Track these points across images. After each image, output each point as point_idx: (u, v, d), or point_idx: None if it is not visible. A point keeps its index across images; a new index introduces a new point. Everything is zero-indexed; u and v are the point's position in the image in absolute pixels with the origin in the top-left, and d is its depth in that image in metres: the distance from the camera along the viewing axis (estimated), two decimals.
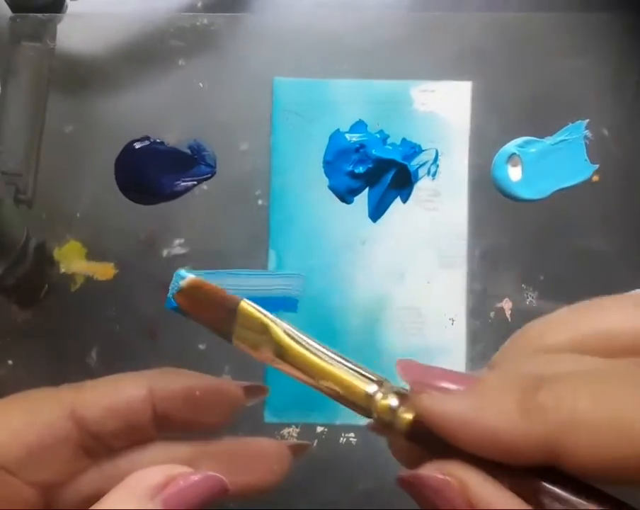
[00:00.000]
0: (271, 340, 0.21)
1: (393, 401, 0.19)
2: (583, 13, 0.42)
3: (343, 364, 0.20)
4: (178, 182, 0.40)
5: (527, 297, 0.40)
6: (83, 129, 0.41)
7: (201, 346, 0.40)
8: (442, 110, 0.41)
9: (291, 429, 0.39)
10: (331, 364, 0.20)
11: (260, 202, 0.41)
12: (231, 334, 0.22)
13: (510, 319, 0.40)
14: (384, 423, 0.19)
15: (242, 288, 0.39)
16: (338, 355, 0.20)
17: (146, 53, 0.42)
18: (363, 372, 0.20)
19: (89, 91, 0.41)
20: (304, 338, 0.21)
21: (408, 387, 0.18)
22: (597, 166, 0.41)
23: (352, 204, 0.41)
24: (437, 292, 0.41)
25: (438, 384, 0.17)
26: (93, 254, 0.40)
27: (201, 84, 0.41)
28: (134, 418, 0.22)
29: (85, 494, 0.23)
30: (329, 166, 0.40)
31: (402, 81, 0.41)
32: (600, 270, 0.41)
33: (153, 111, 0.41)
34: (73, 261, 0.40)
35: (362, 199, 0.41)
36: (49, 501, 0.22)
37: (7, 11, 0.42)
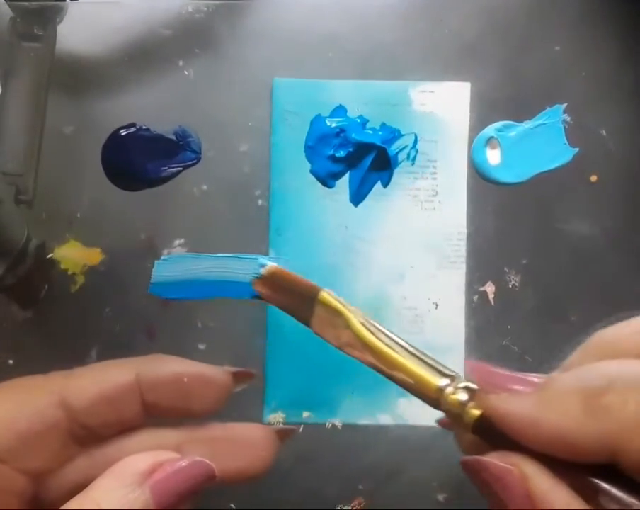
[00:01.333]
0: (348, 330, 0.22)
1: (462, 396, 0.19)
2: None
3: (417, 357, 0.21)
4: (164, 168, 0.40)
5: (510, 281, 0.41)
6: (84, 129, 0.41)
7: (200, 346, 0.40)
8: (441, 111, 0.41)
9: (277, 415, 0.40)
10: (405, 356, 0.21)
11: (260, 202, 0.41)
12: (309, 321, 0.23)
13: (493, 303, 0.40)
14: (453, 417, 0.20)
15: (216, 271, 0.39)
16: (413, 348, 0.21)
17: (146, 54, 0.42)
18: (436, 366, 0.20)
19: (89, 92, 0.41)
20: (380, 329, 0.22)
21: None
22: (577, 149, 0.41)
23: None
24: (436, 293, 0.41)
25: (506, 386, 0.18)
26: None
27: (185, 72, 0.41)
28: (122, 404, 0.23)
29: (74, 481, 0.23)
30: (310, 150, 0.41)
31: (401, 81, 0.41)
32: (582, 253, 0.41)
33: (152, 112, 0.41)
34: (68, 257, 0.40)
35: (348, 189, 0.41)
36: (39, 487, 0.23)
37: (7, 11, 0.42)
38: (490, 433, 0.19)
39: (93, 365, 0.23)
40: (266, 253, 0.41)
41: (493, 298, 0.40)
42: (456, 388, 0.20)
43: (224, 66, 0.42)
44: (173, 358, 0.24)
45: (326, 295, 0.22)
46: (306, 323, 0.23)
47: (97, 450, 0.23)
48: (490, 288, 0.40)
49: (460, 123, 0.41)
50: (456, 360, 0.40)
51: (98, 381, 0.23)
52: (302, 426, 0.39)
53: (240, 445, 0.23)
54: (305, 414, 0.40)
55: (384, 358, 0.21)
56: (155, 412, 0.23)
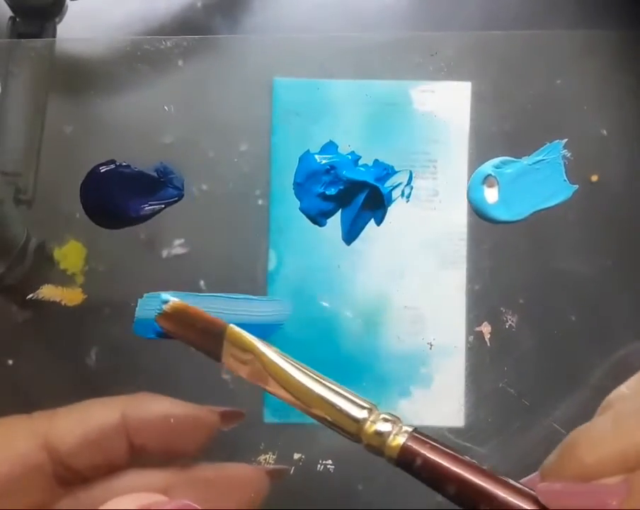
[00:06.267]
0: (261, 366, 0.21)
1: (381, 427, 0.19)
2: (568, 31, 0.42)
3: (333, 390, 0.20)
4: (144, 205, 0.39)
5: (507, 321, 0.40)
6: (84, 129, 0.41)
7: None
8: (442, 111, 0.41)
9: (267, 456, 0.39)
10: (320, 391, 0.20)
11: (260, 202, 0.41)
12: (219, 355, 0.22)
13: (489, 344, 0.40)
14: (374, 450, 0.19)
15: (226, 313, 0.38)
16: (327, 382, 0.20)
17: (146, 53, 0.42)
18: (353, 399, 0.20)
19: (89, 91, 0.41)
20: (294, 364, 0.21)
21: (396, 413, 0.18)
22: (577, 186, 0.40)
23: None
24: (437, 293, 0.41)
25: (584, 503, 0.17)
26: (93, 255, 0.40)
27: (166, 107, 0.41)
28: (107, 446, 0.22)
29: None
30: (300, 188, 0.40)
31: (402, 81, 0.41)
32: (581, 293, 0.40)
33: (153, 111, 0.41)
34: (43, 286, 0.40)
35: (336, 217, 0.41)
36: None
37: (7, 11, 0.42)
38: (415, 464, 0.18)
39: (78, 404, 0.23)
40: (266, 253, 0.40)
41: (489, 339, 0.40)
42: (375, 420, 0.19)
43: (224, 66, 0.42)
44: (160, 397, 0.24)
45: (235, 330, 0.22)
46: (217, 359, 0.22)
47: (82, 492, 0.23)
48: (486, 328, 0.40)
49: (461, 123, 0.41)
50: (457, 361, 0.40)
51: (83, 422, 0.22)
52: (293, 468, 0.38)
53: (229, 485, 0.23)
54: (296, 455, 0.38)
55: (300, 394, 0.20)
56: (141, 453, 0.23)
